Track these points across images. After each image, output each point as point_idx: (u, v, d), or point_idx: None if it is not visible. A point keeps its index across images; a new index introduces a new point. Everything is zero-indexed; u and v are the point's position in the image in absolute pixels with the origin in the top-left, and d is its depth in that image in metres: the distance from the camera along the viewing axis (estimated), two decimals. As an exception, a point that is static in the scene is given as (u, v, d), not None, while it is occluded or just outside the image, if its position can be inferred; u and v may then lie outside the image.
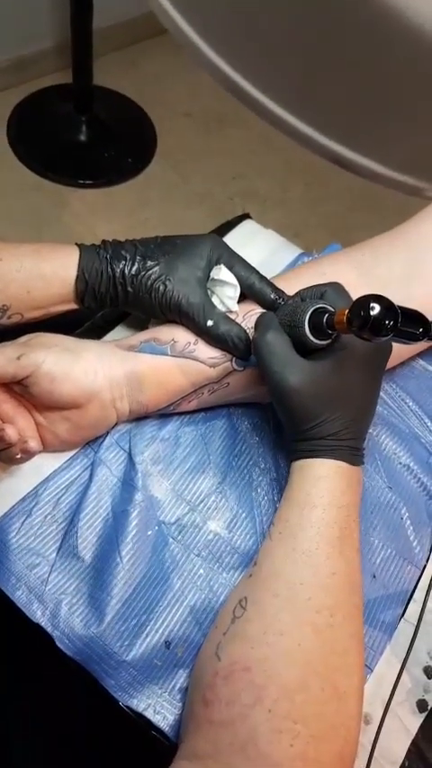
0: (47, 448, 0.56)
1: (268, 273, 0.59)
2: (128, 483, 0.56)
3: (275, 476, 0.59)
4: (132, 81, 2.05)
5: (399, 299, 0.60)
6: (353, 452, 0.51)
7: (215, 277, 0.56)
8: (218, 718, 0.42)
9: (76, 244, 0.57)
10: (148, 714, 0.48)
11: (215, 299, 0.57)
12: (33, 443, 0.51)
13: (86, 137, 1.91)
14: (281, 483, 0.59)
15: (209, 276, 0.57)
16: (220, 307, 0.57)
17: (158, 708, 0.49)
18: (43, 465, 0.57)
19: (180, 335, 0.56)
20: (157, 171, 1.91)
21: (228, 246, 0.58)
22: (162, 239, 0.58)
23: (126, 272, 0.55)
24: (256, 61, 0.20)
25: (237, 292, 0.57)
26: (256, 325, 0.54)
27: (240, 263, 0.58)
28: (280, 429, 0.62)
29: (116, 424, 0.58)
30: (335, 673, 0.44)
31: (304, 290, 0.54)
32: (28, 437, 0.52)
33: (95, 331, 0.65)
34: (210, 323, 0.55)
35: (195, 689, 0.46)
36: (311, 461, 0.51)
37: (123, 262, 0.55)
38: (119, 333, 0.65)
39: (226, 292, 0.57)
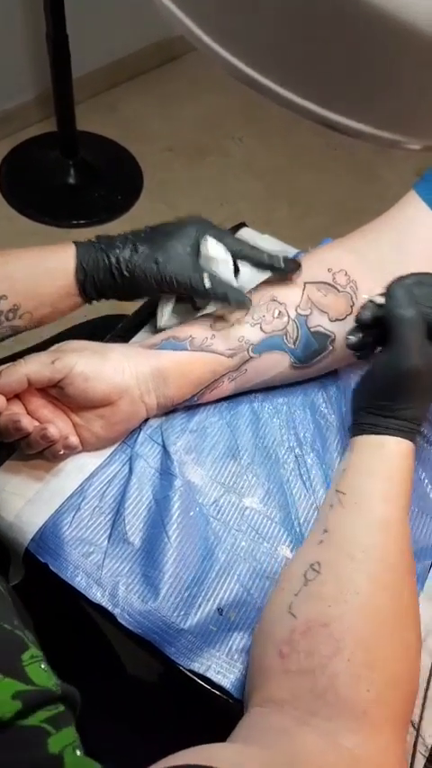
0: (85, 447, 0.60)
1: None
2: (165, 472, 0.61)
3: (300, 452, 0.64)
4: (114, 123, 2.15)
5: (391, 279, 0.65)
6: (418, 436, 0.56)
7: (205, 253, 0.61)
8: (296, 668, 0.46)
9: (74, 241, 0.62)
10: (210, 675, 0.52)
11: (207, 279, 0.61)
12: (74, 438, 0.56)
13: (75, 180, 1.99)
14: (305, 458, 0.64)
15: (198, 253, 0.61)
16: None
17: (218, 668, 0.53)
18: (86, 464, 0.61)
19: (197, 332, 0.62)
20: (146, 205, 1.98)
21: (213, 225, 0.63)
22: (151, 228, 0.63)
23: (120, 257, 0.60)
24: (234, 26, 0.24)
25: (230, 265, 0.62)
26: (390, 294, 0.55)
27: (229, 237, 0.63)
28: (299, 410, 0.67)
29: (147, 419, 0.63)
30: (402, 625, 0.48)
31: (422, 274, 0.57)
32: (68, 434, 0.57)
33: (119, 339, 0.70)
34: (207, 284, 0.60)
35: (267, 644, 0.49)
36: (395, 440, 0.54)
37: (117, 249, 0.61)
38: (138, 339, 0.70)
39: (219, 267, 0.61)
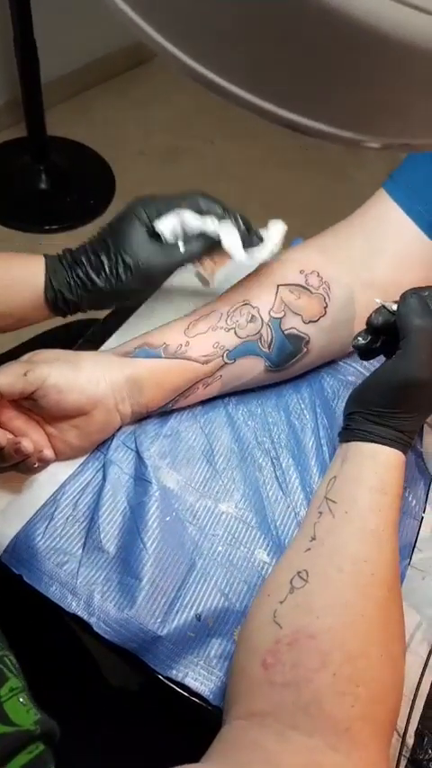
0: (60, 456, 0.60)
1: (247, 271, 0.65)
2: (140, 478, 0.60)
3: (275, 454, 0.64)
4: (84, 127, 2.13)
5: (364, 279, 0.66)
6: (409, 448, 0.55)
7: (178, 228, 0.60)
8: (280, 680, 0.45)
9: (44, 255, 0.61)
10: (188, 682, 0.52)
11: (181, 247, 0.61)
12: (48, 452, 0.55)
13: (47, 185, 1.98)
14: (280, 461, 0.63)
15: (154, 231, 0.60)
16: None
17: (196, 676, 0.52)
18: (58, 473, 0.60)
19: (171, 338, 0.61)
20: (119, 208, 1.97)
21: (154, 197, 0.62)
22: (101, 229, 0.62)
23: (90, 270, 0.59)
24: (188, 26, 0.24)
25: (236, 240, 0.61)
26: (405, 302, 0.54)
27: (179, 200, 0.61)
28: (273, 412, 0.67)
29: (120, 426, 0.62)
30: (391, 640, 0.48)
31: None
32: (42, 446, 0.56)
33: (90, 344, 0.69)
34: (183, 252, 0.60)
35: (250, 653, 0.48)
36: (389, 451, 0.53)
37: (82, 265, 0.59)
38: (112, 343, 0.69)
39: (230, 242, 0.60)
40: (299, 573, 0.50)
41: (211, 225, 0.60)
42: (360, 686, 0.44)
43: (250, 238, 0.62)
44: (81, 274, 0.59)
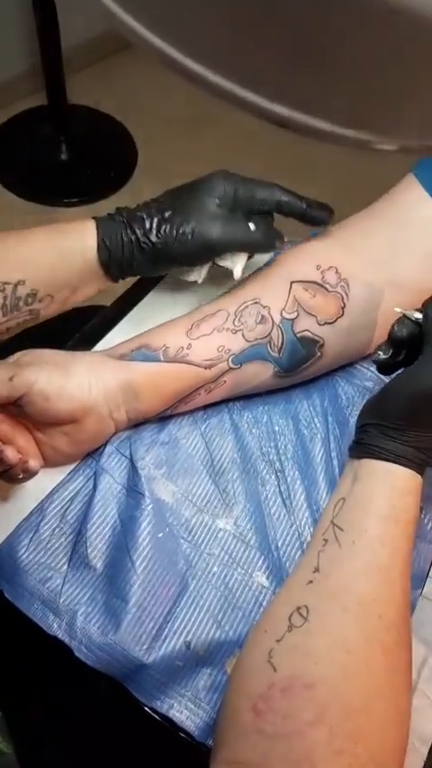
0: (49, 463, 0.56)
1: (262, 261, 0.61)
2: (132, 489, 0.56)
3: (280, 466, 0.59)
4: (107, 95, 2.06)
5: (386, 278, 0.60)
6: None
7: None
8: (271, 730, 0.40)
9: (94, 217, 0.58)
10: (173, 715, 0.48)
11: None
12: (33, 462, 0.51)
13: (67, 156, 1.92)
14: (285, 474, 0.59)
15: (229, 207, 0.58)
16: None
17: (182, 708, 0.48)
18: (46, 480, 0.56)
19: (172, 340, 0.56)
20: (141, 181, 1.91)
21: (238, 176, 0.60)
22: (171, 191, 0.59)
23: (147, 230, 0.56)
24: (180, 20, 0.19)
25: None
26: (429, 311, 0.50)
27: (259, 187, 0.59)
28: (280, 419, 0.62)
29: (115, 432, 0.58)
30: (397, 692, 0.43)
31: None
32: (29, 456, 0.51)
33: (86, 340, 0.65)
34: (252, 231, 0.59)
35: (241, 695, 0.44)
36: (404, 472, 0.48)
37: (142, 221, 0.56)
38: (108, 341, 0.65)
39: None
40: (298, 609, 0.45)
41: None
42: (360, 745, 0.40)
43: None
44: (137, 231, 0.56)
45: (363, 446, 0.50)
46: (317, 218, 0.60)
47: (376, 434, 0.50)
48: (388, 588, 0.45)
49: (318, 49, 0.19)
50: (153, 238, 0.56)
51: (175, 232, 0.56)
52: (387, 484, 0.49)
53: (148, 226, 0.56)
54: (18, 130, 1.96)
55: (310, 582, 0.47)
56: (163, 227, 0.56)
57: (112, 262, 0.56)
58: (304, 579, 0.48)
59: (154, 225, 0.56)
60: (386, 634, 0.44)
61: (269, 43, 0.20)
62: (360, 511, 0.48)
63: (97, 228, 0.56)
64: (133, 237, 0.56)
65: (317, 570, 0.47)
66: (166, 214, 0.56)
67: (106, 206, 1.86)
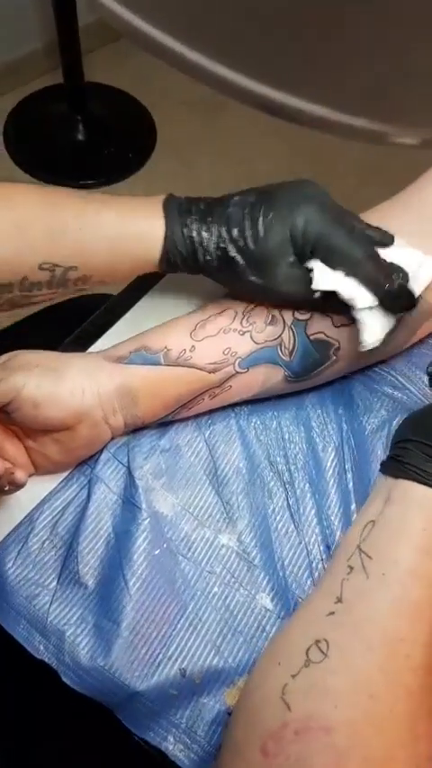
0: (40, 471, 0.52)
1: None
2: (129, 501, 0.52)
3: (289, 477, 0.55)
4: (125, 74, 2.01)
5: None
6: None
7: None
8: None
9: (165, 199, 0.50)
10: (166, 748, 0.45)
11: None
12: (20, 474, 0.46)
13: (84, 135, 1.88)
14: (294, 486, 0.54)
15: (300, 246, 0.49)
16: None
17: (176, 741, 0.45)
18: (37, 487, 0.53)
19: (174, 342, 0.52)
20: (159, 162, 1.86)
21: (328, 213, 0.49)
22: (252, 191, 0.50)
23: (226, 235, 0.49)
24: (185, 15, 0.16)
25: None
26: None
27: (347, 240, 0.49)
28: (291, 426, 0.57)
29: (112, 437, 0.54)
30: (420, 740, 0.39)
31: None
32: (17, 466, 0.47)
33: (83, 339, 0.61)
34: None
35: (250, 732, 0.40)
36: None
37: (219, 225, 0.49)
38: (106, 341, 0.61)
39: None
40: (317, 642, 0.41)
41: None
42: None
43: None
44: (216, 236, 0.49)
45: (399, 464, 0.46)
46: (390, 309, 0.50)
47: (417, 454, 0.45)
48: (418, 626, 0.41)
49: (329, 37, 0.14)
50: (232, 249, 0.49)
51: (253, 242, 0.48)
52: (424, 511, 0.44)
53: (227, 230, 0.49)
54: (34, 109, 1.92)
55: (332, 613, 0.43)
56: (244, 236, 0.48)
57: (178, 262, 0.51)
58: (324, 609, 0.43)
59: (234, 234, 0.48)
60: (413, 677, 0.39)
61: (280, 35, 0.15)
62: (392, 539, 0.44)
63: (166, 222, 0.49)
64: (211, 242, 0.49)
65: (339, 601, 0.43)
66: (256, 217, 0.48)
67: (122, 188, 1.81)
